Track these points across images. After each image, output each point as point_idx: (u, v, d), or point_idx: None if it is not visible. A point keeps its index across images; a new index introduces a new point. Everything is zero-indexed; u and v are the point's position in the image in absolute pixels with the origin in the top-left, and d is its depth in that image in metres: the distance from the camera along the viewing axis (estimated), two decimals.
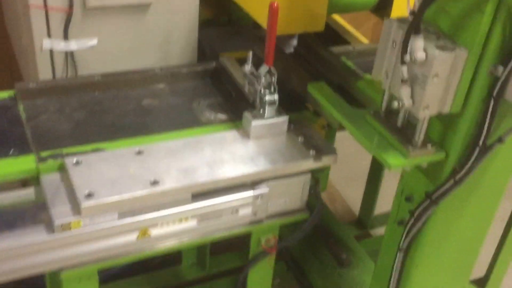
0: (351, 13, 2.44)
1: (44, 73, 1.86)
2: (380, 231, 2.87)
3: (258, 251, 1.82)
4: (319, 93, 1.73)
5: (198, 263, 2.50)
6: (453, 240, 1.67)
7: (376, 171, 2.73)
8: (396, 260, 1.64)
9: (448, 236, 1.65)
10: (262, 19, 1.75)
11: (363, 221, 2.91)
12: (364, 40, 2.33)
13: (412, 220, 1.55)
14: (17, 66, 2.27)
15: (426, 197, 1.51)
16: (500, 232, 2.09)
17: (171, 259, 2.54)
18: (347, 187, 3.27)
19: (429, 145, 1.45)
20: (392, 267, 1.65)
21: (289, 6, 1.70)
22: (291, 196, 1.70)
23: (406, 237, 1.58)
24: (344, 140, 2.61)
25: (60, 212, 1.40)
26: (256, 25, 1.85)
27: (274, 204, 1.68)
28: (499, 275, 2.22)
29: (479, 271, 2.24)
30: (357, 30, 2.37)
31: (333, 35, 2.32)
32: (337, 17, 2.44)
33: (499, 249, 2.12)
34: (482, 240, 1.77)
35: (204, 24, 2.26)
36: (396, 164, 1.45)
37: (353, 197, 3.15)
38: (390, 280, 1.67)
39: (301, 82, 1.84)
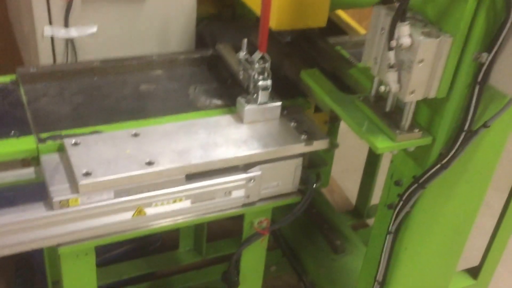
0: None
1: (45, 59, 1.90)
2: None
3: (251, 233, 1.85)
4: (312, 80, 1.76)
5: (195, 249, 2.56)
6: (442, 224, 1.70)
7: (372, 162, 2.76)
8: (386, 243, 1.67)
9: (436, 220, 1.68)
10: (258, 8, 1.78)
11: (360, 211, 2.95)
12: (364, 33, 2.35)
13: (401, 203, 1.58)
14: (18, 52, 2.31)
15: (414, 181, 1.54)
16: (493, 223, 2.13)
17: (168, 244, 2.59)
18: (346, 179, 3.30)
19: (416, 130, 1.49)
20: (382, 250, 1.69)
21: (291, 1, 1.72)
22: (283, 179, 1.74)
23: (395, 220, 1.62)
24: (343, 133, 2.65)
25: (59, 189, 1.45)
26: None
27: (266, 187, 1.72)
28: (492, 265, 2.26)
29: (473, 261, 2.29)
30: (361, 24, 2.38)
31: (332, 27, 2.34)
32: (339, 10, 2.45)
33: (492, 240, 2.16)
34: (471, 225, 1.79)
35: (208, 19, 2.29)
36: (384, 147, 1.49)
37: (352, 189, 3.18)
38: (380, 262, 1.71)
39: (296, 69, 1.87)
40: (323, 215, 2.58)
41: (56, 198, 1.43)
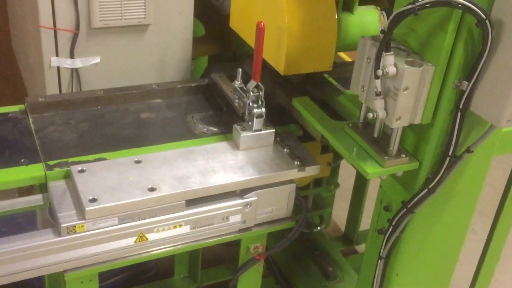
0: None
1: (51, 88, 1.97)
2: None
3: (247, 258, 1.88)
4: (303, 107, 1.81)
5: (190, 276, 2.55)
6: (431, 247, 1.72)
7: (359, 188, 2.78)
8: (377, 268, 1.69)
9: (426, 244, 1.70)
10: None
11: (349, 237, 2.97)
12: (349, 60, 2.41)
13: (391, 228, 1.61)
14: (21, 82, 2.36)
15: (403, 206, 1.57)
16: (480, 250, 2.13)
17: (163, 272, 2.61)
18: (334, 206, 3.33)
19: (403, 155, 1.53)
20: (374, 276, 1.71)
21: (300, 48, 1.76)
22: (277, 204, 1.78)
23: (385, 245, 1.64)
24: None
25: (66, 216, 1.49)
26: None
27: (261, 212, 1.76)
28: None
29: None
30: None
31: None
32: None
33: (479, 267, 2.15)
34: (459, 250, 1.81)
35: (210, 59, 2.38)
36: (373, 172, 1.52)
37: (341, 216, 3.20)
38: None
39: (287, 97, 1.92)
40: (314, 241, 2.61)
41: (64, 224, 1.47)
